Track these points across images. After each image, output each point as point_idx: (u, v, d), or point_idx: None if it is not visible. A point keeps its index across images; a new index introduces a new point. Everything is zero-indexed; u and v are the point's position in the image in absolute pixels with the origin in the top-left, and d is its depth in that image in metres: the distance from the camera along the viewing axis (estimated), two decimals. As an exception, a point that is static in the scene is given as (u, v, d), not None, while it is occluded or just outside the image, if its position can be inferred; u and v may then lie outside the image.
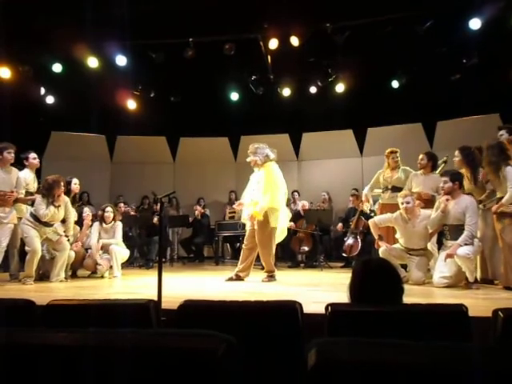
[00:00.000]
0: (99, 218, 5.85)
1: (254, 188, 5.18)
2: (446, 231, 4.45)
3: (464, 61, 7.11)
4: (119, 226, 5.88)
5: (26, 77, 7.27)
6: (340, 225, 7.40)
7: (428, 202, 4.96)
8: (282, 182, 5.12)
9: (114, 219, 5.83)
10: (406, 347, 0.92)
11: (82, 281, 5.49)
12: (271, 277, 5.06)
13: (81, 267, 5.89)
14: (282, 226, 5.21)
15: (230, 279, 5.08)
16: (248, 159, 5.23)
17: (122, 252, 5.83)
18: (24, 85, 7.26)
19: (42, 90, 8.02)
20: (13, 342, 0.91)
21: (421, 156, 5.26)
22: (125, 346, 0.89)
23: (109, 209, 5.81)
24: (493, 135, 4.71)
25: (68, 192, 5.45)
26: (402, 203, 4.67)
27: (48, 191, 5.00)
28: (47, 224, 5.09)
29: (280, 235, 5.25)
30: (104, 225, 5.79)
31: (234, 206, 6.26)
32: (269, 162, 5.12)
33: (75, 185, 5.65)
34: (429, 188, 5.15)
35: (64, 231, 5.26)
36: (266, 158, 5.12)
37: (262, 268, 5.25)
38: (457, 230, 4.33)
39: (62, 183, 5.11)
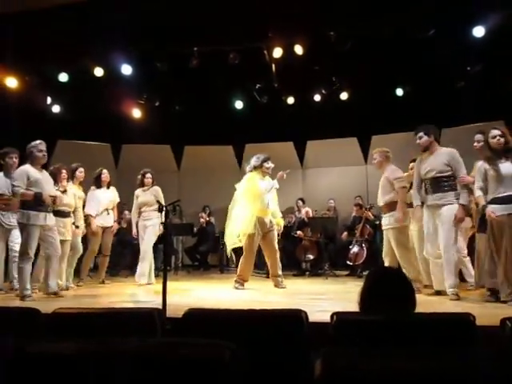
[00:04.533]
0: (139, 182, 6.11)
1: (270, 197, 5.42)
2: (428, 185, 4.26)
3: (468, 68, 7.11)
4: (159, 190, 6.05)
5: (33, 86, 7.34)
6: (345, 233, 7.37)
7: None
8: None
9: (152, 183, 6.08)
10: (413, 356, 0.91)
11: (86, 289, 5.50)
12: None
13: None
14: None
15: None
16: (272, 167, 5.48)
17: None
18: (30, 94, 7.32)
19: (49, 100, 8.09)
20: (19, 350, 0.91)
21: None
22: (130, 356, 0.89)
23: (149, 175, 6.09)
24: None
25: (72, 179, 5.66)
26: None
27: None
28: (61, 213, 5.05)
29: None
30: (143, 188, 6.05)
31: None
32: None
33: (80, 173, 5.85)
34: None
35: (73, 222, 5.37)
36: None
37: (267, 276, 5.25)
38: (437, 182, 4.18)
39: (64, 171, 5.26)
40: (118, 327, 1.61)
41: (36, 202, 4.37)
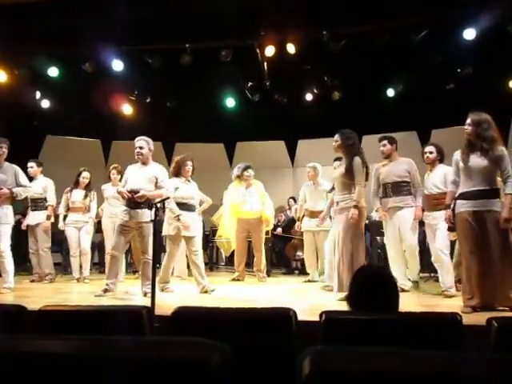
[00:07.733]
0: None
1: (249, 200, 6.19)
2: (389, 189, 4.69)
3: (458, 70, 7.18)
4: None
5: (22, 80, 7.24)
6: None
7: None
8: None
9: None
10: (402, 356, 0.91)
11: (75, 286, 5.45)
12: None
13: None
14: None
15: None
16: (252, 174, 6.23)
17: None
18: (20, 88, 7.22)
19: (38, 94, 7.99)
20: (4, 349, 0.90)
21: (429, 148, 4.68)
22: (118, 354, 0.88)
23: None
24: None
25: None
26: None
27: (176, 170, 5.23)
28: (182, 206, 5.05)
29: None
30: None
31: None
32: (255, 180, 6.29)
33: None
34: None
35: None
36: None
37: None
38: (398, 186, 4.63)
39: (190, 162, 5.29)
40: (105, 325, 1.60)
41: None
